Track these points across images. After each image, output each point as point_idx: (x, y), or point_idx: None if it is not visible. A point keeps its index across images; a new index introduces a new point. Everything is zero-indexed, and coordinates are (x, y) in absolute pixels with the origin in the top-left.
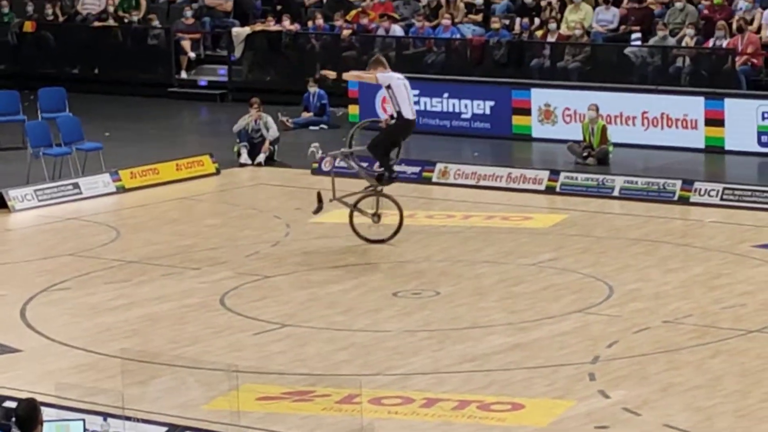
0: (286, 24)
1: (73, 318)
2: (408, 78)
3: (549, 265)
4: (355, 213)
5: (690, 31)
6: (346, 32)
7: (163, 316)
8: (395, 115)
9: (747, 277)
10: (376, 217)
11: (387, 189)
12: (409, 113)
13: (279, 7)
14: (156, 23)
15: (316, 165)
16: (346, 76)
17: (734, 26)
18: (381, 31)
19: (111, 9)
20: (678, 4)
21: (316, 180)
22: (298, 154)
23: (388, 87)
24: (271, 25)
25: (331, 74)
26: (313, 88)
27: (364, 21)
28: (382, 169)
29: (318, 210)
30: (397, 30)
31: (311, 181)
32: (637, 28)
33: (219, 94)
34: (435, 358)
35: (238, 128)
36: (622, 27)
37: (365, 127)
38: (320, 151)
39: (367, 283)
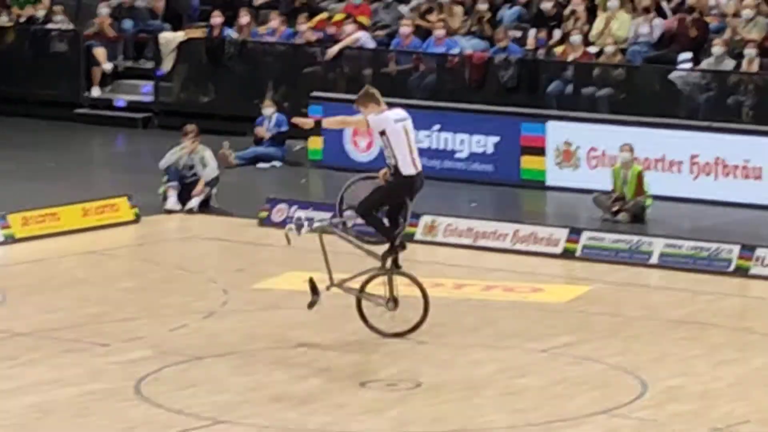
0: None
1: None
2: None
3: (564, 351)
4: (364, 300)
5: (751, 51)
6: (308, 36)
7: (60, 406)
8: (392, 169)
9: None
10: (392, 302)
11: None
12: (408, 167)
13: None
14: (60, 22)
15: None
16: (326, 123)
17: None
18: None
19: None
20: (746, 12)
21: (263, 233)
22: (241, 198)
23: (383, 133)
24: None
25: (307, 123)
26: (269, 110)
27: (332, 30)
28: (384, 238)
29: (313, 303)
30: (367, 42)
31: (257, 234)
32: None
33: (142, 118)
34: None
35: (166, 163)
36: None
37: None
38: (299, 227)
39: (329, 370)
